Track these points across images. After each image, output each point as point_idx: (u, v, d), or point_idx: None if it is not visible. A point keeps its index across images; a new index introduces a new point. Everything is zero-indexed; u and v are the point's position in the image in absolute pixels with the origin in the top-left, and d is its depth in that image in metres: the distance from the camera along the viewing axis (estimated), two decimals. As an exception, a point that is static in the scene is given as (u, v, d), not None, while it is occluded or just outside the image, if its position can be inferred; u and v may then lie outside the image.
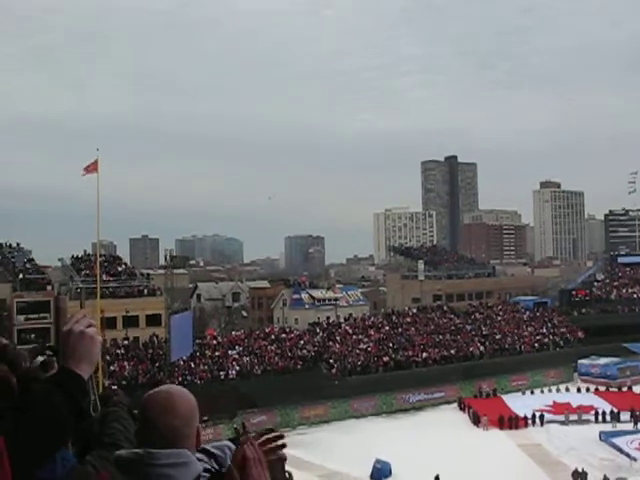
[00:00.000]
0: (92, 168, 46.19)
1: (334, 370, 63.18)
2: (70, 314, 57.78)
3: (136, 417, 2.94)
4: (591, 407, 56.46)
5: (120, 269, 69.72)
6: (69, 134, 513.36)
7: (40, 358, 3.09)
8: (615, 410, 54.73)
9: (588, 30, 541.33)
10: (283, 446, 2.55)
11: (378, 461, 42.33)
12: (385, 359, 66.11)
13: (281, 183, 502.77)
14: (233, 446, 2.86)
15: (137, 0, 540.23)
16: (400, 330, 72.37)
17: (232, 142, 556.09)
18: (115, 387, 48.18)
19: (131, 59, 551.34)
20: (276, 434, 2.57)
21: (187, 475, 2.36)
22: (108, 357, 55.14)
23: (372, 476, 41.91)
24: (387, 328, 72.48)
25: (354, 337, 69.40)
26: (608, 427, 51.92)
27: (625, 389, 64.52)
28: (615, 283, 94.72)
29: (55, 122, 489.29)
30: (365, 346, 67.79)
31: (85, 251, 72.19)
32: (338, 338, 68.49)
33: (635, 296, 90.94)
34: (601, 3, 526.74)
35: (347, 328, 71.32)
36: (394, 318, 75.54)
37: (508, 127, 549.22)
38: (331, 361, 64.19)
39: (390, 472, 41.75)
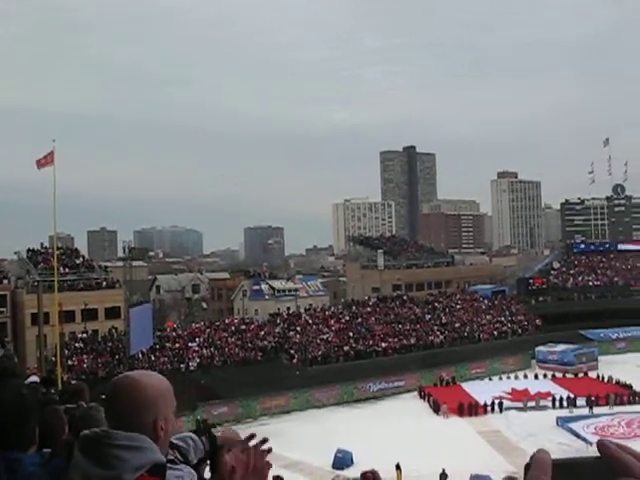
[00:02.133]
0: (48, 160, 45.55)
1: (295, 360, 63.28)
2: (27, 308, 57.20)
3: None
4: (548, 393, 57.31)
5: (78, 262, 68.92)
6: (26, 124, 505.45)
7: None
8: (572, 396, 55.63)
9: (549, 24, 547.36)
10: (269, 450, 2.54)
11: (340, 450, 42.50)
12: (345, 349, 66.38)
13: (241, 174, 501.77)
14: (196, 437, 2.88)
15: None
16: (360, 320, 72.66)
17: (194, 133, 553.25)
18: (74, 381, 47.80)
19: (94, 49, 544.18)
20: (261, 439, 2.58)
21: (140, 459, 2.32)
22: (67, 351, 54.64)
23: (334, 465, 42.04)
24: (347, 318, 72.73)
25: (314, 327, 69.55)
26: (565, 413, 52.74)
27: (581, 375, 65.62)
28: (571, 271, 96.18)
29: (11, 112, 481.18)
30: (326, 336, 67.98)
31: (42, 244, 71.08)
32: (298, 328, 68.58)
33: (591, 284, 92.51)
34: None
35: (307, 318, 71.44)
36: (354, 308, 75.81)
37: (468, 119, 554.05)
38: (292, 351, 64.28)
39: (352, 461, 41.93)
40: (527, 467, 1.13)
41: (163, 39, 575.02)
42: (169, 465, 2.45)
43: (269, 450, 2.55)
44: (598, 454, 1.13)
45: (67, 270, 65.36)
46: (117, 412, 2.44)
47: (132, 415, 2.43)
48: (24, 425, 2.53)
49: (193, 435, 2.89)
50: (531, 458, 1.14)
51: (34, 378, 6.49)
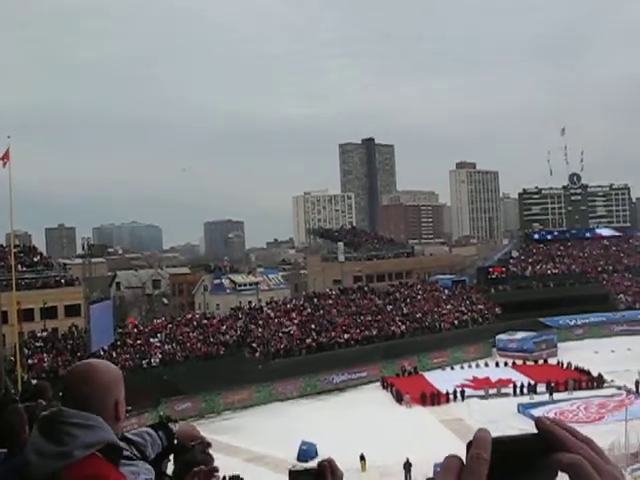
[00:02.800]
0: (3, 158, 45.06)
1: (257, 354, 63.23)
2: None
3: None
4: (509, 380, 58.05)
5: (36, 260, 68.06)
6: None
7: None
8: (532, 382, 56.38)
9: (503, 17, 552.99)
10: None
11: (304, 442, 42.64)
12: (308, 341, 66.48)
13: (200, 167, 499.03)
14: (153, 432, 2.93)
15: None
16: (322, 312, 72.78)
17: (152, 126, 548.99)
18: (35, 381, 47.30)
19: (53, 43, 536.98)
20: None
21: (92, 437, 2.41)
22: (27, 350, 54.00)
23: (298, 458, 42.13)
24: (309, 311, 72.81)
25: (276, 321, 69.52)
26: (526, 399, 53.45)
27: (541, 362, 66.56)
28: (530, 260, 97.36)
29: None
30: (288, 329, 67.99)
31: (-2, 242, 70.21)
32: (260, 322, 68.50)
33: (549, 272, 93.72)
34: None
35: (269, 312, 71.39)
36: (315, 300, 75.89)
37: (426, 110, 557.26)
38: (254, 345, 64.21)
39: (316, 453, 42.02)
40: (469, 445, 1.17)
41: (128, 32, 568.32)
42: (124, 461, 2.51)
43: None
44: (536, 431, 1.19)
45: (25, 268, 64.52)
46: (78, 396, 2.52)
47: (93, 398, 2.52)
48: None
49: (150, 430, 2.94)
50: (473, 437, 1.19)
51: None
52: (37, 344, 56.80)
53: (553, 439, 1.15)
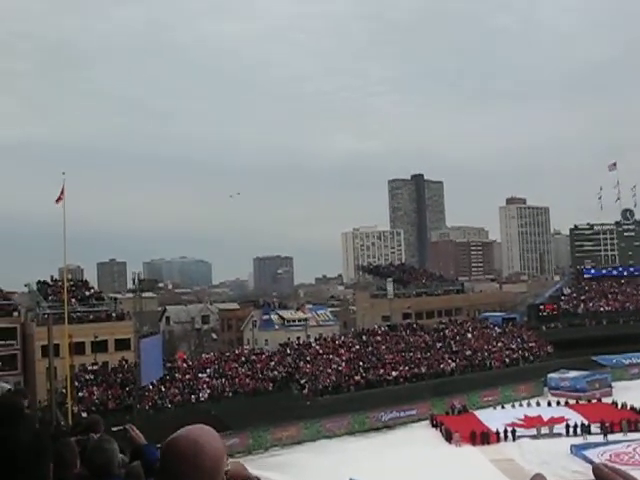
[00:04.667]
0: (59, 199, 46.38)
1: (305, 390, 62.98)
2: (37, 340, 57.28)
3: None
4: (562, 418, 56.95)
5: (88, 294, 69.04)
6: (35, 158, 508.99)
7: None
8: (586, 422, 55.17)
9: (549, 51, 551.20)
10: None
11: (352, 480, 42.19)
12: (356, 378, 66.07)
13: (250, 205, 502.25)
14: None
15: (106, 24, 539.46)
16: (370, 349, 72.40)
17: (201, 164, 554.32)
18: (85, 414, 47.71)
19: (100, 82, 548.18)
20: None
21: None
22: (77, 383, 54.54)
23: (346, 496, 41.71)
24: (357, 347, 72.48)
25: (325, 357, 69.29)
26: (579, 440, 52.26)
27: (594, 402, 65.11)
28: (582, 297, 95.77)
29: (19, 146, 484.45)
30: (336, 366, 67.70)
31: (52, 276, 71.35)
32: (309, 358, 68.35)
33: (602, 309, 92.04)
34: (562, 26, 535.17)
35: (317, 348, 71.21)
36: (364, 337, 75.57)
37: (475, 145, 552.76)
38: (302, 381, 64.00)
39: (364, 491, 41.58)
40: None
41: (166, 72, 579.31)
42: None
43: None
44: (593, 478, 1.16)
45: (77, 302, 65.47)
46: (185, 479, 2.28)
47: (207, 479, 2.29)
48: (39, 464, 2.49)
49: None
50: None
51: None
52: (87, 377, 57.36)
53: None
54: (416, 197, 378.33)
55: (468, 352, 75.40)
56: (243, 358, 66.67)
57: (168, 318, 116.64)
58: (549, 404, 63.89)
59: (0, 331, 62.53)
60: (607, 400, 64.92)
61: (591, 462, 45.30)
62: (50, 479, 2.62)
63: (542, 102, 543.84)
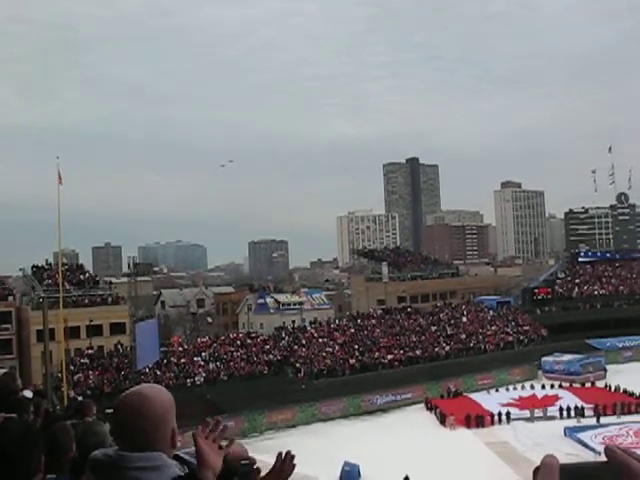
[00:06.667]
0: (60, 181, 46.50)
1: (300, 374, 63.14)
2: (32, 324, 57.30)
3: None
4: (556, 397, 57.40)
5: (83, 278, 69.01)
6: (31, 142, 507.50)
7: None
8: (579, 405, 55.43)
9: (548, 36, 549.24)
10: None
11: (347, 463, 42.34)
12: (351, 362, 66.24)
13: (245, 188, 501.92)
14: None
15: (105, 9, 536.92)
16: (365, 332, 72.54)
17: (197, 148, 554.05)
18: (80, 397, 47.77)
19: (99, 68, 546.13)
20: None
21: (159, 479, 2.32)
22: (72, 367, 54.63)
23: (341, 478, 41.92)
24: (352, 331, 72.61)
25: (320, 340, 69.42)
26: (572, 422, 52.53)
27: (588, 385, 65.40)
28: (576, 281, 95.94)
29: (11, 131, 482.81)
30: (331, 349, 67.86)
31: (47, 260, 71.26)
32: (304, 342, 68.48)
33: (596, 293, 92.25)
34: (559, 12, 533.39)
35: (313, 332, 71.32)
36: (359, 321, 75.70)
37: (470, 130, 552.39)
38: (297, 365, 64.17)
39: (359, 474, 41.79)
40: (535, 471, 1.16)
41: (166, 57, 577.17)
42: None
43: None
44: (605, 459, 1.16)
45: (72, 286, 65.43)
46: (134, 433, 2.41)
47: (150, 432, 2.41)
48: (30, 456, 2.51)
49: None
50: (540, 463, 1.17)
51: (28, 393, 6.48)
52: (83, 361, 57.43)
53: (624, 469, 1.10)
54: (411, 181, 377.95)
55: (463, 335, 75.60)
56: (238, 342, 66.77)
57: (163, 302, 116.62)
58: (543, 387, 64.14)
59: (-5, 316, 62.57)
60: (600, 383, 65.21)
61: (585, 444, 45.74)
62: (41, 469, 2.65)
63: (538, 87, 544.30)
